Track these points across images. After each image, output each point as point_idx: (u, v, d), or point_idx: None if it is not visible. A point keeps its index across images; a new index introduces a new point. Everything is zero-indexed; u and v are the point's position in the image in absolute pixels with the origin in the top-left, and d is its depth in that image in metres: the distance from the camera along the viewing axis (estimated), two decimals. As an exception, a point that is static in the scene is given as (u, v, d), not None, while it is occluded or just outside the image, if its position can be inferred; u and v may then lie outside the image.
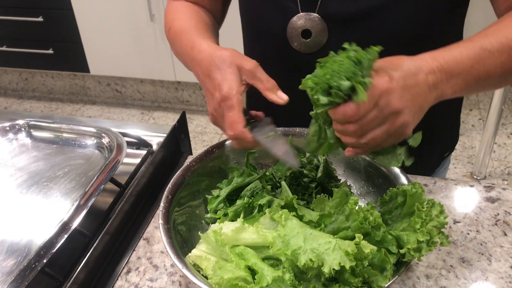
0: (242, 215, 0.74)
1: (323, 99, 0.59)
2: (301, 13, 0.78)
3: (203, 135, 2.96)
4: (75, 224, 0.76)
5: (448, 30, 0.82)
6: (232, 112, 0.70)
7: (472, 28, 0.72)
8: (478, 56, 0.67)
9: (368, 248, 0.58)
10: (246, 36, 0.95)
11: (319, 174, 0.82)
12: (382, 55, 0.61)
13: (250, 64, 0.71)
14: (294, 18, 0.79)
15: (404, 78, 0.62)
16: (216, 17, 0.94)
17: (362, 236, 0.59)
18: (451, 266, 0.73)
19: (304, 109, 0.68)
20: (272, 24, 0.83)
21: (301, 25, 0.78)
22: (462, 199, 0.85)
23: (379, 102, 0.62)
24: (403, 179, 0.75)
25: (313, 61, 0.78)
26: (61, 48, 2.98)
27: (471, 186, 0.88)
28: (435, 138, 0.94)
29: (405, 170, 0.76)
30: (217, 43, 0.82)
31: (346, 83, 0.57)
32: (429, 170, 1.01)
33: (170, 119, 3.14)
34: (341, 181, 0.84)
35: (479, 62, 0.67)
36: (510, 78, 0.71)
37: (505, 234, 0.78)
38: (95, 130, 0.97)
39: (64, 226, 0.75)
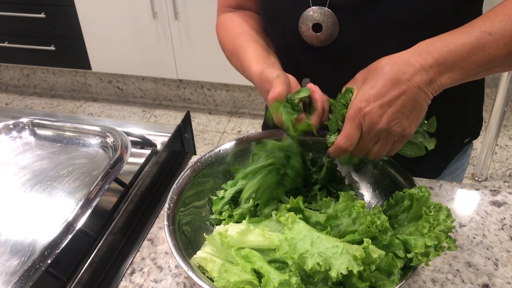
0: (247, 218, 0.73)
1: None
2: (313, 7, 0.78)
3: (205, 134, 2.96)
4: (80, 224, 0.76)
5: (465, 9, 0.79)
6: None
7: (496, 3, 0.68)
8: (476, 41, 0.65)
9: (376, 252, 0.58)
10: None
11: (321, 176, 0.81)
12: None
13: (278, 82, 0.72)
14: (306, 12, 0.78)
15: (382, 93, 0.64)
16: None
17: (370, 241, 0.59)
18: (457, 270, 0.73)
19: None
20: (285, 18, 0.83)
21: (312, 19, 0.78)
22: (468, 203, 0.85)
23: (363, 128, 0.67)
24: (409, 183, 0.75)
25: (324, 54, 0.79)
26: (63, 44, 2.98)
27: (477, 189, 0.88)
28: (453, 122, 0.92)
29: (421, 164, 0.77)
30: (267, 46, 0.85)
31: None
32: (450, 156, 0.99)
33: (172, 117, 3.13)
34: (346, 184, 0.84)
35: (478, 47, 0.65)
36: None
37: (512, 239, 0.77)
38: (100, 129, 0.97)
39: (69, 226, 0.75)
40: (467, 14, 0.77)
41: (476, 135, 1.01)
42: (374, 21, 0.75)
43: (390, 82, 0.64)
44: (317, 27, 0.78)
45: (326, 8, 0.77)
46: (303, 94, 0.71)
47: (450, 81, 0.66)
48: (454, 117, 0.91)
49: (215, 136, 2.93)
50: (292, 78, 0.75)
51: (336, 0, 0.77)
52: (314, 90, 0.74)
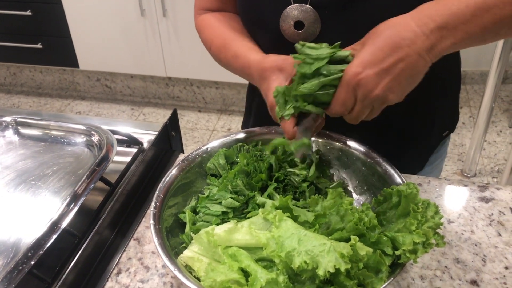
0: (231, 215, 0.73)
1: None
2: (294, 5, 0.77)
3: (194, 131, 2.94)
4: (64, 224, 0.75)
5: None
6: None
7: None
8: (481, 0, 0.61)
9: (363, 250, 0.57)
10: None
11: (311, 173, 0.81)
12: None
13: (286, 63, 0.72)
14: (287, 10, 0.77)
15: (380, 59, 0.62)
16: None
17: (357, 238, 0.58)
18: (446, 267, 0.73)
19: None
20: (266, 16, 0.82)
21: (293, 17, 0.77)
22: (456, 199, 0.85)
23: (357, 94, 0.64)
24: (397, 179, 0.74)
25: None
26: (50, 42, 2.94)
27: (465, 185, 0.87)
28: (433, 116, 0.92)
29: (404, 159, 0.76)
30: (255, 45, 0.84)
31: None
32: (431, 149, 0.98)
33: (161, 115, 3.11)
34: (335, 181, 0.83)
35: (482, 7, 0.62)
36: None
37: (500, 235, 0.77)
38: (85, 128, 0.95)
39: (53, 226, 0.74)
40: None
41: (453, 128, 1.00)
42: (356, 18, 0.74)
43: (388, 47, 0.62)
44: (298, 24, 0.78)
45: (307, 6, 0.76)
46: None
47: (453, 45, 0.63)
48: (434, 111, 0.91)
49: (205, 134, 2.91)
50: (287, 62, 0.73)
51: None
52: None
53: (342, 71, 0.65)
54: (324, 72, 0.65)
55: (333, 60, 0.65)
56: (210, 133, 2.92)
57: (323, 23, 0.77)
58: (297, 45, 0.66)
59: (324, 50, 0.65)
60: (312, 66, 0.65)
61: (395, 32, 0.62)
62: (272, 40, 0.83)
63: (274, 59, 0.74)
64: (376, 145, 0.80)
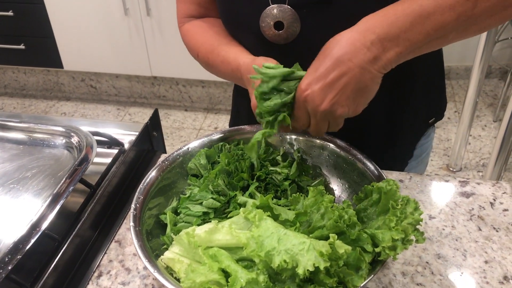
0: (212, 215, 0.73)
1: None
2: (272, 5, 0.76)
3: (181, 131, 2.93)
4: (43, 227, 0.74)
5: None
6: None
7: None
8: (420, 8, 0.62)
9: (342, 248, 0.57)
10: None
11: (292, 171, 0.81)
12: None
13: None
14: (266, 11, 0.77)
15: (323, 75, 0.64)
16: None
17: (336, 236, 0.58)
18: (427, 262, 0.73)
19: None
20: (246, 19, 0.82)
21: (273, 17, 0.77)
22: (437, 195, 0.85)
23: (308, 110, 0.67)
24: (378, 176, 0.75)
25: (289, 51, 0.78)
26: (33, 43, 2.91)
27: (447, 181, 0.88)
28: (414, 102, 0.90)
29: (386, 151, 0.76)
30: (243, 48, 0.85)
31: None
32: (415, 137, 0.97)
33: (147, 115, 3.10)
34: (317, 179, 0.83)
35: (422, 15, 0.62)
36: (474, 20, 0.63)
37: (480, 229, 0.78)
38: (64, 130, 0.94)
39: (32, 230, 0.73)
40: None
41: (441, 115, 0.99)
42: (335, 15, 0.74)
43: (331, 63, 0.63)
44: (278, 25, 0.78)
45: (286, 6, 0.76)
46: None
47: (397, 55, 0.63)
48: (414, 97, 0.90)
49: (192, 133, 2.90)
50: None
51: None
52: None
53: None
54: (285, 89, 0.69)
55: (293, 78, 0.69)
56: (197, 132, 2.91)
57: (303, 22, 0.77)
58: (254, 67, 0.69)
59: (280, 69, 0.68)
60: (268, 84, 0.68)
61: (338, 47, 0.63)
62: (254, 41, 0.83)
63: (263, 60, 0.74)
64: (362, 145, 0.80)
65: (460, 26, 0.64)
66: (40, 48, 2.92)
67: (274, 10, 0.77)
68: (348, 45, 0.63)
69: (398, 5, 0.64)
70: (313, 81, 0.64)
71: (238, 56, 0.81)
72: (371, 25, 0.63)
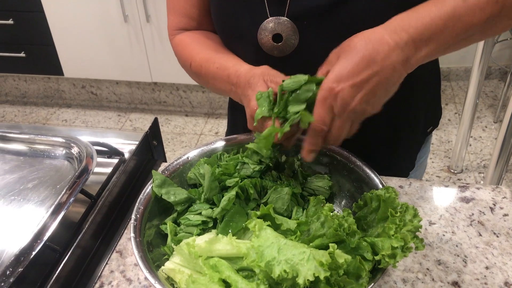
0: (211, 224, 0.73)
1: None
2: (270, 18, 0.77)
3: (182, 136, 2.93)
4: (45, 238, 0.74)
5: None
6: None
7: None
8: (452, 10, 0.62)
9: (342, 257, 0.57)
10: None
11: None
12: None
13: (273, 73, 0.72)
14: (264, 23, 0.77)
15: (355, 73, 0.61)
16: None
17: (336, 246, 0.58)
18: (428, 269, 0.73)
19: None
20: (244, 31, 0.82)
21: (271, 30, 0.77)
22: (437, 200, 0.85)
23: (335, 109, 0.64)
24: (377, 183, 0.75)
25: (287, 63, 0.78)
26: (34, 51, 2.92)
27: (446, 186, 0.88)
28: (417, 113, 0.92)
29: (395, 160, 0.76)
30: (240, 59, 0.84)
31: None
32: (417, 146, 0.98)
33: (148, 121, 3.10)
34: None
35: (454, 16, 0.62)
36: (499, 20, 0.64)
37: (480, 235, 0.78)
38: (64, 140, 0.94)
39: (33, 241, 0.73)
40: None
41: (437, 123, 1.00)
42: (334, 27, 0.74)
43: (363, 61, 0.61)
44: (277, 37, 0.78)
45: (284, 18, 0.76)
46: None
47: (427, 56, 0.64)
48: (416, 108, 0.91)
49: (193, 138, 2.91)
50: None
51: (295, 9, 0.76)
52: None
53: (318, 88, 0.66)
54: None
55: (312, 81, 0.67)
56: (198, 137, 2.91)
57: (302, 34, 0.77)
58: (280, 87, 0.68)
59: (300, 76, 0.67)
60: (296, 83, 0.66)
61: (370, 45, 0.62)
62: (251, 53, 0.82)
63: (264, 69, 0.74)
64: (366, 155, 0.80)
65: (486, 27, 0.64)
66: (40, 55, 2.93)
67: (272, 22, 0.77)
68: (380, 44, 0.61)
69: (430, 5, 0.64)
70: (343, 79, 0.62)
71: (238, 63, 0.80)
72: (405, 25, 0.62)
